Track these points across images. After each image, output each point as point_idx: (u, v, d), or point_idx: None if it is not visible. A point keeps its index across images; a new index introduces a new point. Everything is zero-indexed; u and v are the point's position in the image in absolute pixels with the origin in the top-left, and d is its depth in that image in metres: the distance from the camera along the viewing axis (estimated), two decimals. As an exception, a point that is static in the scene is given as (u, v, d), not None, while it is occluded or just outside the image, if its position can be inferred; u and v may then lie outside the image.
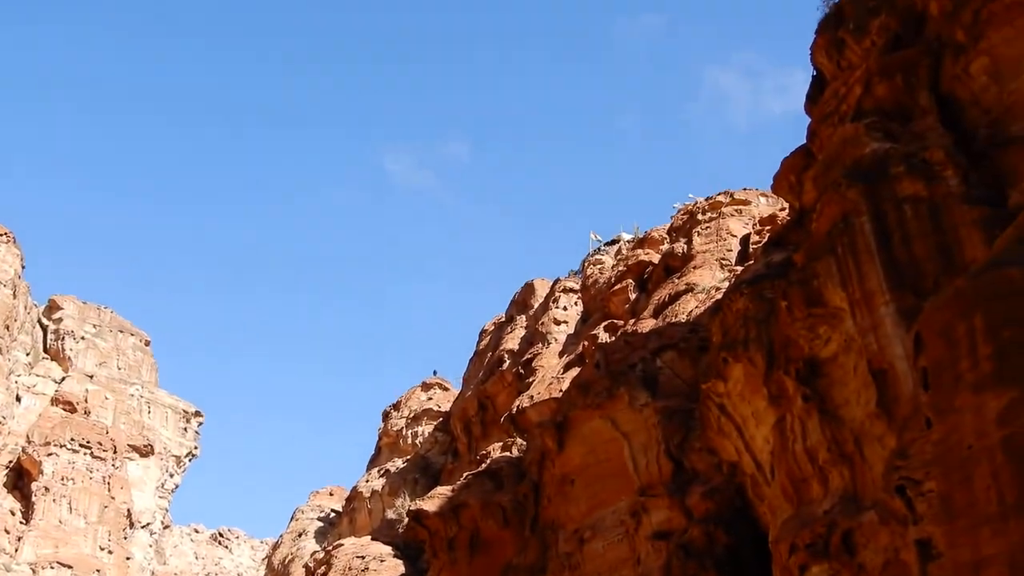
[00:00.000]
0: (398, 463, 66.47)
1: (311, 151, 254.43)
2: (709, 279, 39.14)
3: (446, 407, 66.94)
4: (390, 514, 61.93)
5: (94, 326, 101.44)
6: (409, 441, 68.25)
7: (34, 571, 76.19)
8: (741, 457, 23.48)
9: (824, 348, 20.33)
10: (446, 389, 70.54)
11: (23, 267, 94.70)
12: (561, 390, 40.50)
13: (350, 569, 56.11)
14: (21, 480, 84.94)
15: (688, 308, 37.31)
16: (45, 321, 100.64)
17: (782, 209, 39.85)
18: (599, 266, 52.74)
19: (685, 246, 42.92)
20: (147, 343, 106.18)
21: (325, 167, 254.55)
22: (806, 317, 20.37)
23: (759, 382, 22.18)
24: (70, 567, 77.66)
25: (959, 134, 19.40)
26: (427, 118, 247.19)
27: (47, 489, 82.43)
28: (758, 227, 40.96)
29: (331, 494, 79.31)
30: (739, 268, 37.05)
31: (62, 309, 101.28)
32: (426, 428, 67.55)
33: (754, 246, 38.67)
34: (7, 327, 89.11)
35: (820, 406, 20.07)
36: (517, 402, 46.64)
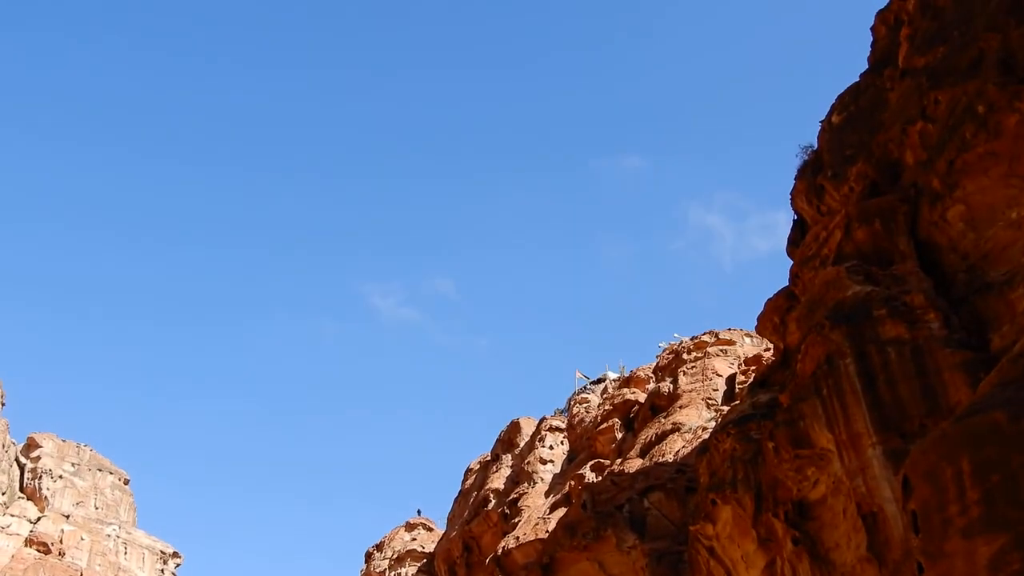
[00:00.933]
0: (380, 607, 64.76)
1: (299, 283, 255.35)
2: (695, 418, 39.13)
3: (430, 548, 65.64)
4: (372, 660, 60.01)
5: (73, 464, 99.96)
6: (392, 583, 66.68)
7: None
8: (731, 606, 23.07)
9: (813, 490, 20.21)
10: (430, 529, 69.32)
11: (3, 404, 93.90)
12: (547, 531, 39.93)
13: None
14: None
15: (675, 447, 37.18)
16: (23, 459, 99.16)
17: (767, 349, 40.17)
18: (585, 404, 52.69)
19: (671, 385, 43.02)
20: (126, 482, 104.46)
21: (311, 299, 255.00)
22: (793, 458, 20.31)
23: (748, 524, 21.97)
24: None
25: (938, 278, 19.77)
26: (411, 256, 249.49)
27: (17, 634, 79.73)
28: (743, 367, 41.19)
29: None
30: (725, 408, 37.09)
31: (41, 447, 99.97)
32: (410, 570, 66.07)
33: (740, 386, 38.81)
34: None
35: (810, 549, 19.84)
36: (503, 543, 45.86)
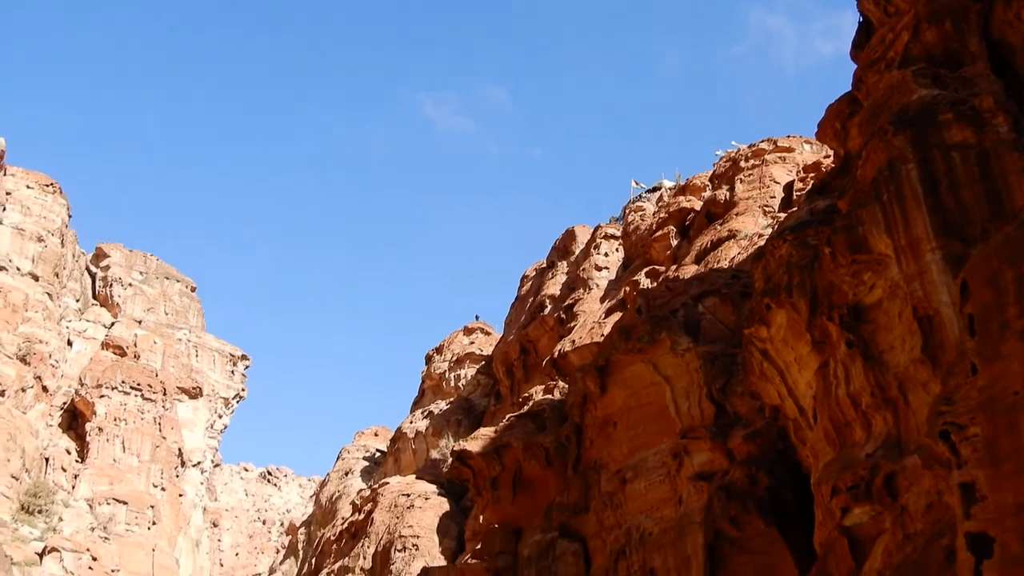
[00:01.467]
0: (441, 405, 67.32)
1: (355, 100, 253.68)
2: (751, 226, 39.02)
3: (488, 351, 67.54)
4: (434, 454, 62.88)
5: (140, 273, 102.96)
6: (452, 384, 69.02)
7: (91, 507, 78.30)
8: (783, 401, 23.62)
9: (868, 294, 20.30)
10: (488, 334, 71.11)
11: (70, 216, 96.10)
12: (602, 335, 40.75)
13: (396, 506, 57.19)
14: (75, 421, 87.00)
15: (730, 254, 37.28)
16: (93, 269, 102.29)
17: (826, 156, 39.53)
18: (640, 213, 52.66)
19: (727, 193, 42.74)
20: (193, 289, 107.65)
21: (368, 115, 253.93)
22: (850, 264, 20.31)
23: (802, 328, 22.22)
24: (125, 503, 79.71)
25: (1010, 80, 19.15)
26: (465, 64, 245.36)
27: (100, 429, 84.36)
28: (802, 174, 40.67)
29: (376, 434, 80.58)
30: (782, 215, 36.90)
31: (109, 257, 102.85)
32: (468, 371, 68.25)
33: (798, 193, 38.46)
34: (56, 275, 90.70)
35: (864, 352, 20.10)
36: (559, 346, 46.97)
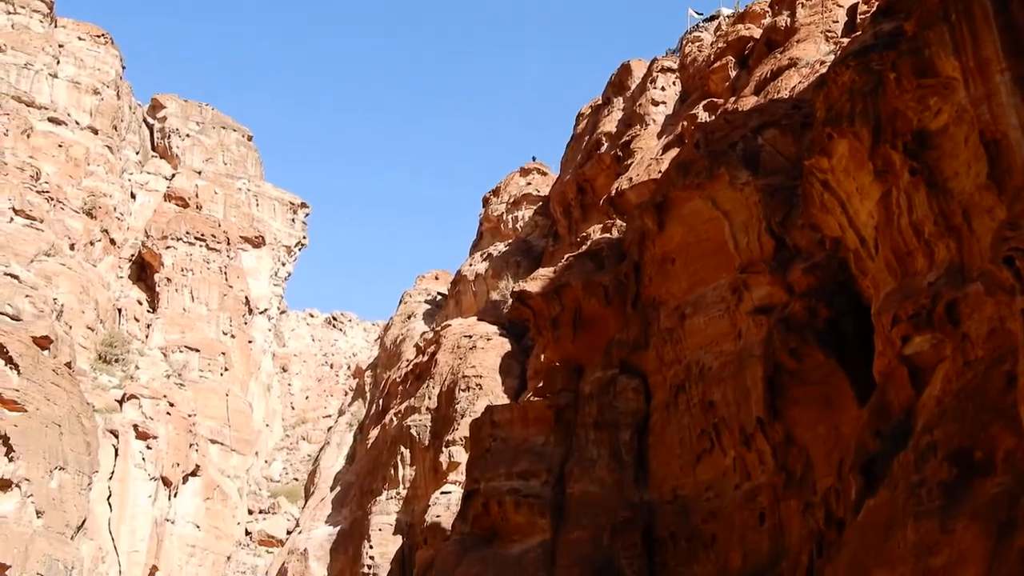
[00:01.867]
0: (500, 247, 67.77)
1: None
2: (813, 53, 37.83)
3: (545, 192, 67.40)
4: (494, 296, 63.73)
5: (197, 123, 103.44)
6: (510, 226, 69.28)
7: (165, 355, 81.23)
8: (844, 232, 23.39)
9: (934, 120, 19.76)
10: (544, 174, 70.79)
11: (123, 68, 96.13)
12: (660, 171, 40.35)
13: (458, 347, 58.45)
14: (144, 272, 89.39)
15: (791, 84, 36.31)
16: (150, 120, 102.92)
17: (892, -26, 37.73)
18: (697, 44, 51.22)
19: (788, 19, 41.29)
20: (250, 138, 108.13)
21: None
22: (916, 88, 19.71)
23: (864, 157, 21.79)
24: (197, 350, 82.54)
25: None
26: None
27: (169, 280, 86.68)
28: (866, -5, 38.99)
29: (436, 278, 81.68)
30: (845, 40, 35.65)
31: (165, 108, 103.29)
32: (526, 212, 68.34)
33: (862, 16, 37.00)
34: (115, 127, 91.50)
35: (928, 179, 19.71)
36: (616, 184, 46.67)
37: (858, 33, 31.22)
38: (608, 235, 43.65)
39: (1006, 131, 17.64)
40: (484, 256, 68.36)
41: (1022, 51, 17.63)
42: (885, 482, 18.76)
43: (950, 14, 18.72)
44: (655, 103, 52.35)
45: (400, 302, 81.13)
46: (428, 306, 76.90)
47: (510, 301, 44.09)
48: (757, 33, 44.77)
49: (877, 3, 32.59)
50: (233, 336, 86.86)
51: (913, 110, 19.91)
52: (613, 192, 45.81)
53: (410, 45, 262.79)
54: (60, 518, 53.23)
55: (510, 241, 67.85)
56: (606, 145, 55.18)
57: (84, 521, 56.67)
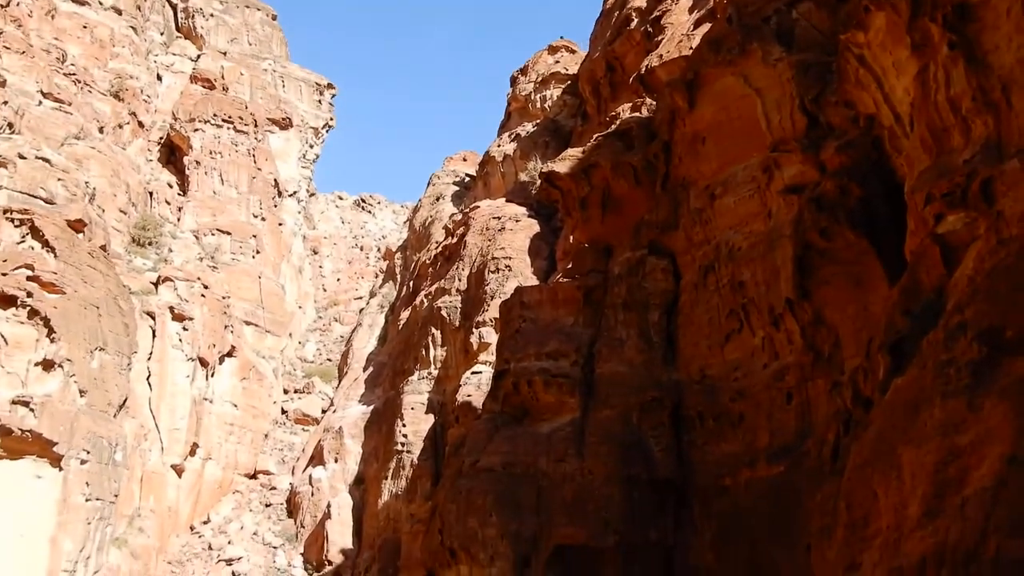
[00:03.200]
0: (528, 127, 67.03)
1: None
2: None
3: (573, 70, 66.21)
4: (522, 177, 63.36)
5: (221, 2, 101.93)
6: (538, 105, 68.36)
7: (197, 237, 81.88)
8: (879, 109, 22.88)
9: (975, -9, 19.09)
10: (573, 52, 69.44)
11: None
12: (691, 48, 39.42)
13: (487, 229, 58.47)
14: (173, 155, 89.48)
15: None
16: (173, 0, 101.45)
17: None
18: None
19: None
20: (274, 17, 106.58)
21: None
22: (958, -43, 19.00)
23: (902, 31, 21.14)
24: (228, 233, 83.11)
25: None
26: None
27: (198, 163, 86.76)
28: None
29: (464, 159, 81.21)
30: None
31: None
32: (554, 92, 67.32)
33: None
34: (138, 7, 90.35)
35: (967, 53, 19.12)
36: (646, 61, 45.68)
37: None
38: (638, 114, 42.97)
39: (1051, 1, 17.00)
40: (512, 136, 67.72)
41: (1072, -83, 16.85)
42: (914, 361, 18.75)
43: None
44: (687, -24, 50.76)
45: (428, 184, 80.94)
46: (456, 188, 76.67)
47: (539, 182, 43.83)
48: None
49: None
50: (263, 219, 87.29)
51: (954, -17, 19.22)
52: (643, 70, 44.88)
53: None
54: (103, 397, 54.58)
55: (538, 121, 67.06)
56: (636, 21, 53.84)
57: (125, 400, 58.12)
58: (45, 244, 54.81)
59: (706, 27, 39.77)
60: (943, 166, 19.56)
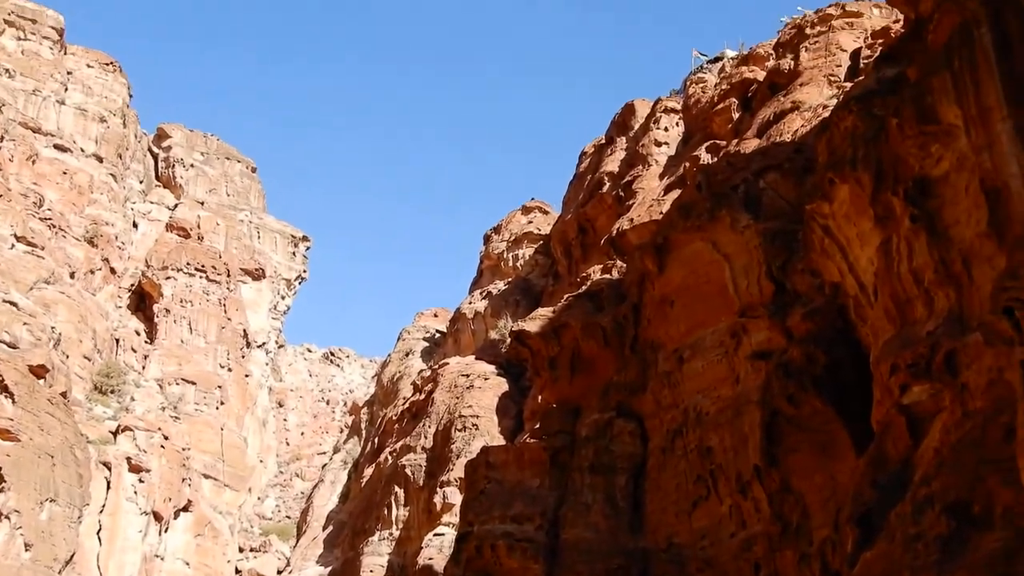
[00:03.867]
0: (500, 285, 67.64)
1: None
2: (816, 97, 37.89)
3: (546, 230, 67.34)
4: (493, 334, 63.49)
5: (202, 154, 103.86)
6: (510, 264, 69.19)
7: (161, 387, 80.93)
8: (844, 278, 23.25)
9: (935, 167, 19.71)
10: (546, 212, 70.80)
11: (130, 96, 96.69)
12: (662, 212, 40.27)
13: (456, 386, 58.16)
14: (143, 302, 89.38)
15: (793, 127, 36.34)
16: (155, 149, 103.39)
17: (896, 21, 37.93)
18: (701, 85, 51.38)
19: (792, 62, 41.42)
20: (253, 170, 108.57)
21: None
22: (918, 135, 19.72)
23: (865, 203, 21.72)
24: (193, 383, 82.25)
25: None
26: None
27: (168, 311, 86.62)
28: (870, 41, 39.16)
29: (435, 315, 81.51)
30: (848, 85, 35.71)
31: (170, 137, 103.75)
32: (527, 251, 68.27)
33: (865, 61, 37.10)
34: (119, 155, 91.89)
35: (929, 226, 19.60)
36: (617, 224, 46.58)
37: (861, 78, 31.24)
38: (608, 276, 43.48)
39: (1007, 180, 17.57)
40: (484, 294, 68.23)
41: (1024, 100, 17.57)
42: (882, 534, 18.45)
43: (953, 61, 18.73)
44: (658, 143, 52.39)
45: (399, 339, 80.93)
46: (426, 343, 76.66)
47: (509, 340, 43.90)
48: (761, 76, 44.91)
49: (880, 49, 32.76)
50: (230, 369, 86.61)
51: (915, 157, 19.87)
52: (614, 232, 45.73)
53: (417, 81, 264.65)
54: (48, 551, 52.74)
55: (510, 279, 67.74)
56: (608, 185, 55.20)
57: (73, 555, 56.15)
58: (4, 389, 53.94)
59: (676, 193, 40.77)
60: (907, 337, 19.75)
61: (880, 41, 37.13)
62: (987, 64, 18.14)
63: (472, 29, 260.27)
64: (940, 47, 19.33)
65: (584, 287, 41.71)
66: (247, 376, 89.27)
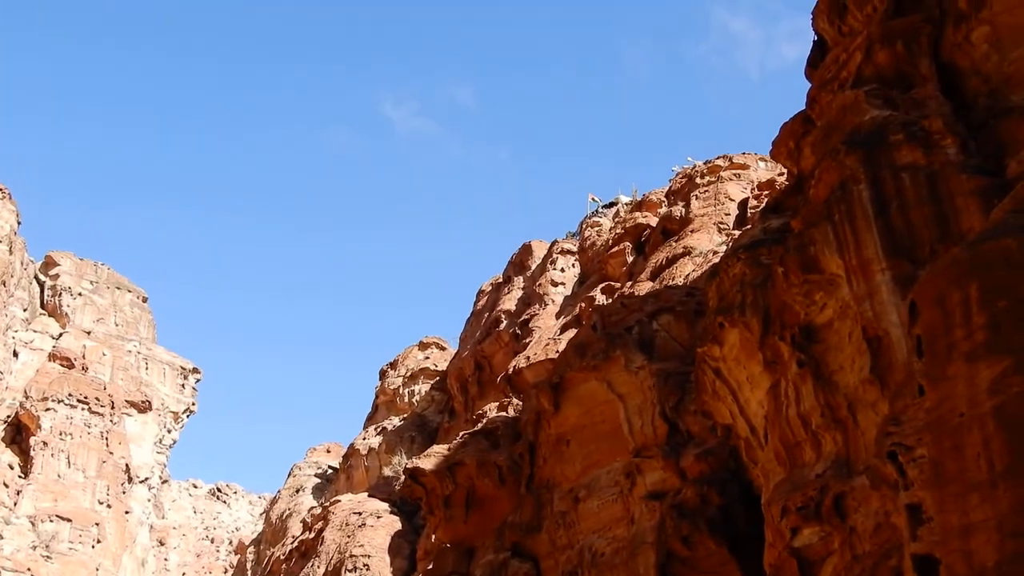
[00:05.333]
0: (395, 421, 66.93)
1: (310, 91, 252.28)
2: (707, 242, 39.32)
3: (443, 367, 67.28)
4: (387, 471, 62.46)
5: (91, 282, 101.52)
6: (406, 400, 68.67)
7: (33, 524, 76.83)
8: (735, 420, 23.72)
9: (820, 314, 20.47)
10: (443, 349, 70.86)
11: (19, 223, 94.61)
12: (558, 351, 40.77)
13: (347, 525, 56.72)
14: (19, 435, 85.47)
15: (685, 271, 37.52)
16: (42, 277, 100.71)
17: (780, 174, 39.93)
18: (597, 228, 52.88)
19: (683, 209, 43.06)
20: (144, 299, 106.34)
21: (324, 109, 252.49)
22: (802, 283, 20.48)
23: (754, 347, 22.35)
24: (69, 520, 78.34)
25: (958, 103, 19.44)
26: (427, 62, 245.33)
27: (45, 444, 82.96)
28: (756, 192, 41.09)
29: (328, 451, 79.89)
30: (736, 232, 37.20)
31: (59, 265, 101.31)
32: (423, 387, 67.94)
33: (752, 211, 38.81)
34: (3, 283, 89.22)
35: (815, 372, 20.23)
36: (514, 362, 46.94)
37: (748, 227, 32.62)
38: (504, 413, 43.51)
39: (887, 328, 18.31)
40: (378, 430, 67.36)
41: (901, 252, 18.48)
42: None
43: (833, 214, 19.64)
44: (554, 284, 53.39)
45: (289, 475, 78.87)
46: (318, 480, 74.88)
47: (403, 478, 43.26)
48: (654, 221, 46.48)
49: (766, 200, 34.34)
50: (109, 506, 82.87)
51: (800, 304, 20.61)
52: (511, 370, 46.03)
53: (314, 224, 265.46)
54: None
55: (405, 415, 67.14)
56: (505, 323, 55.75)
57: None
58: None
59: (572, 332, 41.41)
60: (797, 480, 20.14)
61: (766, 192, 38.95)
62: (865, 218, 19.07)
63: (367, 166, 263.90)
64: (821, 201, 20.27)
65: (480, 424, 41.61)
66: (127, 513, 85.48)
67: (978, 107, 19.14)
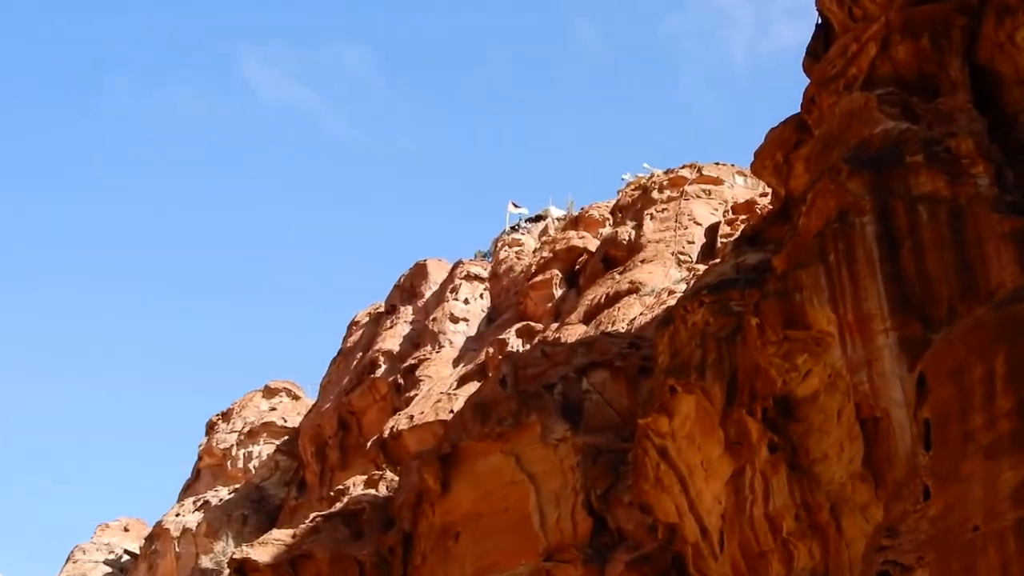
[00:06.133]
0: (222, 493, 66.04)
1: (148, 40, 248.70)
2: (661, 278, 39.78)
3: (294, 422, 66.68)
4: (205, 561, 61.55)
5: None
6: (240, 464, 67.80)
7: None
8: (683, 519, 24.01)
9: (801, 384, 20.79)
10: (296, 398, 70.22)
11: None
12: (452, 410, 40.83)
13: (145, 634, 55.76)
14: None
15: (630, 315, 37.92)
16: None
17: (763, 194, 40.67)
18: (516, 248, 53.15)
19: (633, 232, 43.53)
20: None
21: (165, 61, 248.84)
22: (782, 341, 20.77)
23: (714, 422, 22.65)
24: None
25: (996, 119, 20.01)
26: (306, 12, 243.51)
27: None
28: (730, 215, 41.79)
29: (126, 529, 78.46)
30: (701, 267, 37.77)
31: None
32: (265, 448, 67.20)
33: (723, 240, 39.46)
34: None
35: (790, 459, 20.53)
36: (392, 422, 46.83)
37: (717, 261, 33.10)
38: (373, 491, 43.32)
39: (888, 408, 18.62)
40: (199, 503, 66.38)
41: (912, 308, 18.83)
42: None
43: (828, 253, 19.95)
44: (455, 319, 53.42)
45: (68, 559, 77.21)
46: (109, 569, 73.47)
47: (227, 572, 42.72)
48: (593, 244, 46.85)
49: (743, 227, 34.98)
50: None
51: (777, 368, 20.91)
52: (387, 432, 45.91)
53: (117, 193, 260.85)
54: None
55: (238, 486, 66.32)
56: (384, 367, 55.55)
57: None
58: None
59: (473, 386, 41.48)
60: (758, 602, 20.46)
61: (743, 217, 39.63)
62: (869, 261, 19.44)
63: (215, 140, 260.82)
64: (814, 235, 20.61)
65: (339, 504, 41.37)
66: None
67: (1019, 126, 19.71)
